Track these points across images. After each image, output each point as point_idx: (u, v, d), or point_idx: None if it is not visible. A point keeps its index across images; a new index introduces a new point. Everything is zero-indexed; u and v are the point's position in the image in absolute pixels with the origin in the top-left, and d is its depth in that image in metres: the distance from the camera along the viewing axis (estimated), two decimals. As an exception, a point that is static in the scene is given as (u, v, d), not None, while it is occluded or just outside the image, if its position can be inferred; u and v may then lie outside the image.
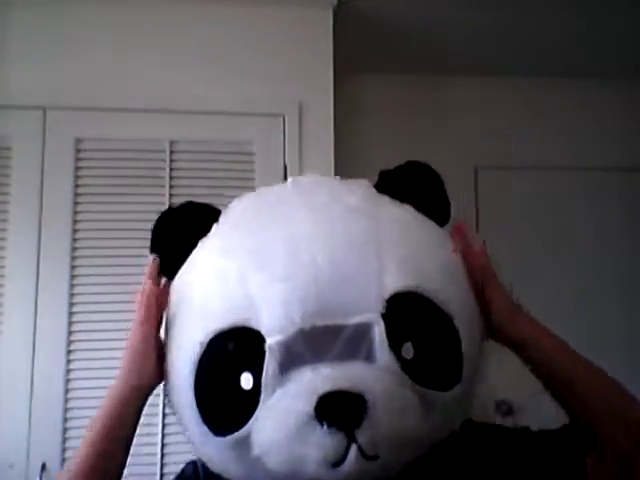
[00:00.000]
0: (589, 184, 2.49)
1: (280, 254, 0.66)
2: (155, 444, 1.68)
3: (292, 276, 0.64)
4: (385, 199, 0.75)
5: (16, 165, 1.77)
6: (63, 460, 1.66)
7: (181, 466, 0.80)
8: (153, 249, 0.78)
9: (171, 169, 1.81)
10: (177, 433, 1.68)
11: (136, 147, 1.82)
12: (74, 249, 1.75)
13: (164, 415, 1.67)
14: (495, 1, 2.02)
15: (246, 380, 0.64)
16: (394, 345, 0.63)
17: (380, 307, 0.63)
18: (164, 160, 1.81)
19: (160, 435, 1.68)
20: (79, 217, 1.77)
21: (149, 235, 0.77)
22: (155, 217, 0.79)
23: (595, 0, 2.00)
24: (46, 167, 1.77)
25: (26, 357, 1.69)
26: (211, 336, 0.66)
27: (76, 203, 1.77)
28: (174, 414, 0.75)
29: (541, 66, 2.42)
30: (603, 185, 2.50)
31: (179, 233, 0.76)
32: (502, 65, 2.41)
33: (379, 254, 0.66)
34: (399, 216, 0.73)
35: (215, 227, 0.75)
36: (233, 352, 0.65)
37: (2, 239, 1.73)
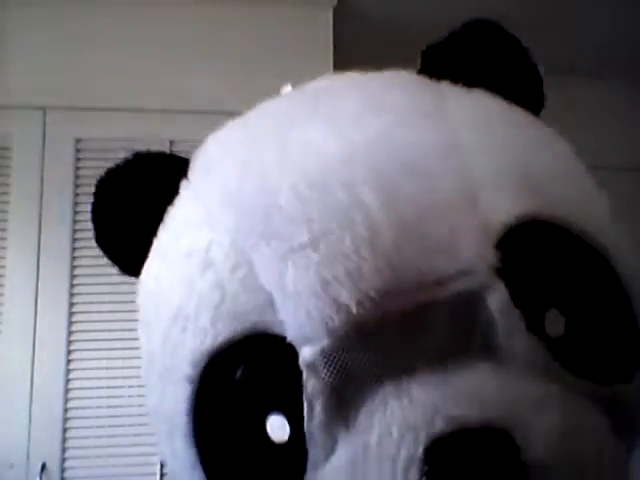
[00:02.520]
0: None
1: (293, 201, 0.36)
2: (155, 444, 1.68)
3: (324, 236, 0.35)
4: (443, 87, 0.44)
5: (16, 165, 1.77)
6: (63, 460, 1.66)
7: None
8: (100, 238, 0.50)
9: (171, 169, 1.81)
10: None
11: (136, 147, 1.81)
12: (74, 249, 1.75)
13: (164, 415, 1.67)
14: (496, 2, 2.02)
15: (276, 427, 0.35)
16: (532, 319, 0.34)
17: (489, 257, 0.34)
18: (164, 160, 1.81)
19: (160, 435, 1.68)
20: (79, 217, 1.76)
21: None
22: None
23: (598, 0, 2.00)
24: (46, 167, 1.77)
25: (26, 357, 1.69)
26: (203, 364, 0.38)
27: (76, 203, 1.77)
28: None
29: (545, 66, 2.41)
30: (604, 185, 2.50)
31: (131, 207, 0.47)
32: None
33: (462, 166, 0.37)
34: (475, 105, 0.43)
35: (184, 185, 0.45)
36: (243, 382, 0.37)
37: (2, 239, 1.73)
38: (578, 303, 0.37)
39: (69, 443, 1.67)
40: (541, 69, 0.50)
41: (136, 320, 0.49)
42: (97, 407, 1.68)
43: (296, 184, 0.37)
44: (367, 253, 0.34)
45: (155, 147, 0.46)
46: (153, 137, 1.82)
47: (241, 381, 0.37)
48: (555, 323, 0.35)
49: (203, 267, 0.39)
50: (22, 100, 1.79)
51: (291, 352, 0.35)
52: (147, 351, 0.44)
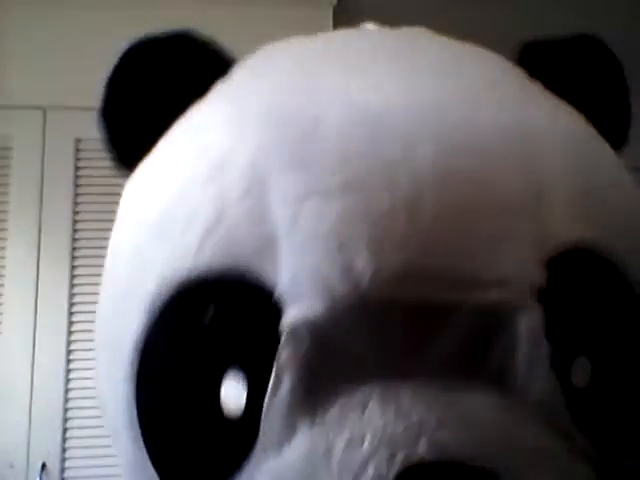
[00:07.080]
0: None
1: (336, 134, 0.31)
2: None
3: (359, 187, 0.29)
4: (536, 89, 0.38)
5: (16, 165, 1.77)
6: (63, 460, 1.66)
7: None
8: (105, 114, 0.44)
9: (171, 169, 1.81)
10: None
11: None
12: (74, 249, 1.75)
13: (164, 415, 1.67)
14: (496, 1, 2.02)
15: (232, 391, 0.29)
16: (559, 360, 0.29)
17: (536, 274, 0.29)
18: (164, 160, 1.82)
19: (160, 435, 1.68)
20: (79, 217, 1.77)
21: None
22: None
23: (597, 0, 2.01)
24: (46, 167, 1.77)
25: (26, 357, 1.69)
26: (171, 293, 0.31)
27: (76, 203, 1.77)
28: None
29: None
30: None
31: (151, 89, 0.41)
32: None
33: (532, 161, 0.32)
34: (562, 119, 0.37)
35: (220, 83, 0.40)
36: (210, 326, 0.30)
37: (2, 239, 1.73)
38: (612, 357, 0.31)
39: (69, 443, 1.67)
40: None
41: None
42: (97, 407, 1.68)
43: (346, 116, 0.31)
44: (402, 221, 0.28)
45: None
46: (153, 137, 1.82)
47: (208, 323, 0.30)
48: (581, 373, 0.29)
49: (207, 178, 0.32)
50: (22, 100, 1.79)
51: (276, 308, 0.28)
52: (111, 272, 0.38)
